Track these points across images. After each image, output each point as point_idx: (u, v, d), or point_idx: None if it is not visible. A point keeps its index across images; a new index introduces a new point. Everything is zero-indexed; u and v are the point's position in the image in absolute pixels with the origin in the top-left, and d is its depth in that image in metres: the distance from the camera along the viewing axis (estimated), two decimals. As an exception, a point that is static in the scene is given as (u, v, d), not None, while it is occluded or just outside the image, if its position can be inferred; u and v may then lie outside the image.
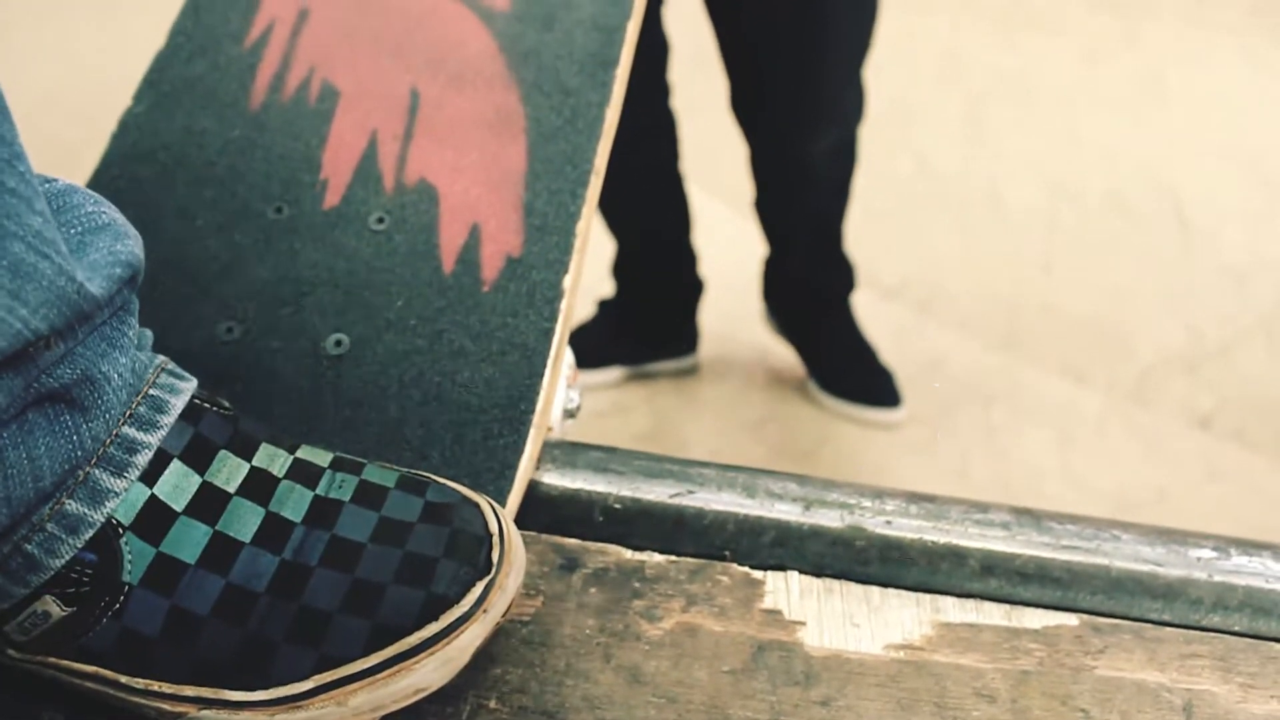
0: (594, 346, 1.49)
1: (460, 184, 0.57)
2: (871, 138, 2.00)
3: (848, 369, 1.46)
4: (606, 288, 1.53)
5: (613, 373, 1.50)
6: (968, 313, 1.75)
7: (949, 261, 1.83)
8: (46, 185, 0.42)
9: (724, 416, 1.45)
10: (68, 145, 1.34)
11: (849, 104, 1.27)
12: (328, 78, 0.62)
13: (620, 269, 1.47)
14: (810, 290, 1.45)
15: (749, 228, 1.66)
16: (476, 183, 0.57)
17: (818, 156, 1.29)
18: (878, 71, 2.10)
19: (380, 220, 0.57)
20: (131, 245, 0.43)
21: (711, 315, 1.59)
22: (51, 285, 0.37)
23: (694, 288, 1.49)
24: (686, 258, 1.46)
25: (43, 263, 0.37)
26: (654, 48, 1.27)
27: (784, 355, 1.57)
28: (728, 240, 1.78)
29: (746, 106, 1.27)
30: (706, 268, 1.56)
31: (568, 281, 0.54)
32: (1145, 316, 1.77)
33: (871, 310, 1.71)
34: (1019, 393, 1.60)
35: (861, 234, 1.85)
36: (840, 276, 1.45)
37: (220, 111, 0.61)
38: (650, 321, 1.49)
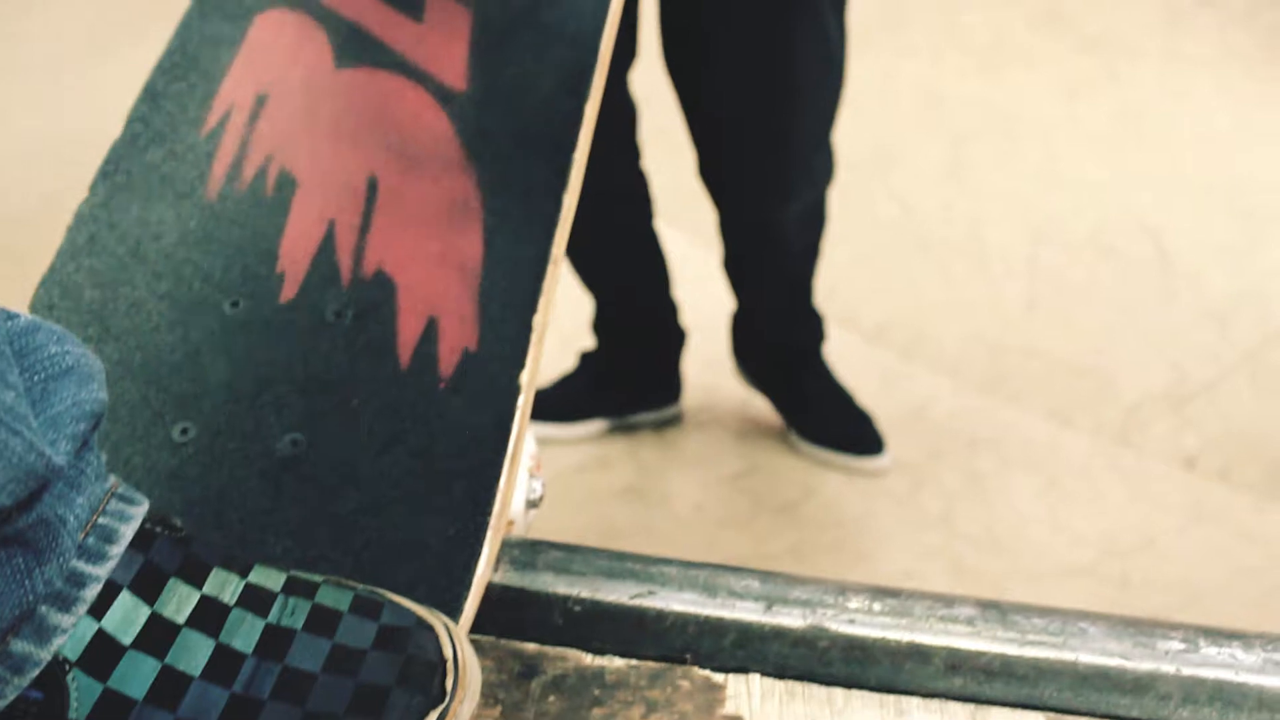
0: (576, 399, 1.49)
1: (417, 275, 0.57)
2: (854, 180, 2.00)
3: (827, 418, 1.46)
4: (588, 338, 1.52)
5: (595, 425, 1.49)
6: (952, 356, 1.74)
7: (933, 304, 1.83)
8: (9, 324, 0.41)
9: (707, 468, 1.44)
10: (48, 195, 1.33)
11: (818, 170, 1.27)
12: (285, 165, 0.61)
13: (600, 325, 1.47)
14: (781, 346, 1.45)
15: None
16: (433, 273, 0.57)
17: (787, 221, 1.29)
18: (859, 114, 2.11)
19: (338, 314, 0.57)
20: (95, 390, 0.42)
21: (695, 362, 1.58)
22: (20, 462, 0.37)
23: (676, 339, 1.49)
24: (666, 311, 1.46)
25: (13, 439, 0.36)
26: (622, 111, 1.27)
27: (766, 404, 1.56)
28: (711, 286, 1.77)
29: (715, 176, 1.27)
30: (690, 314, 1.56)
31: (525, 377, 0.53)
32: (1129, 356, 1.77)
33: (855, 354, 1.70)
34: (1004, 438, 1.60)
35: (844, 277, 1.85)
36: (810, 331, 1.45)
37: (177, 202, 0.61)
38: (632, 374, 1.49)
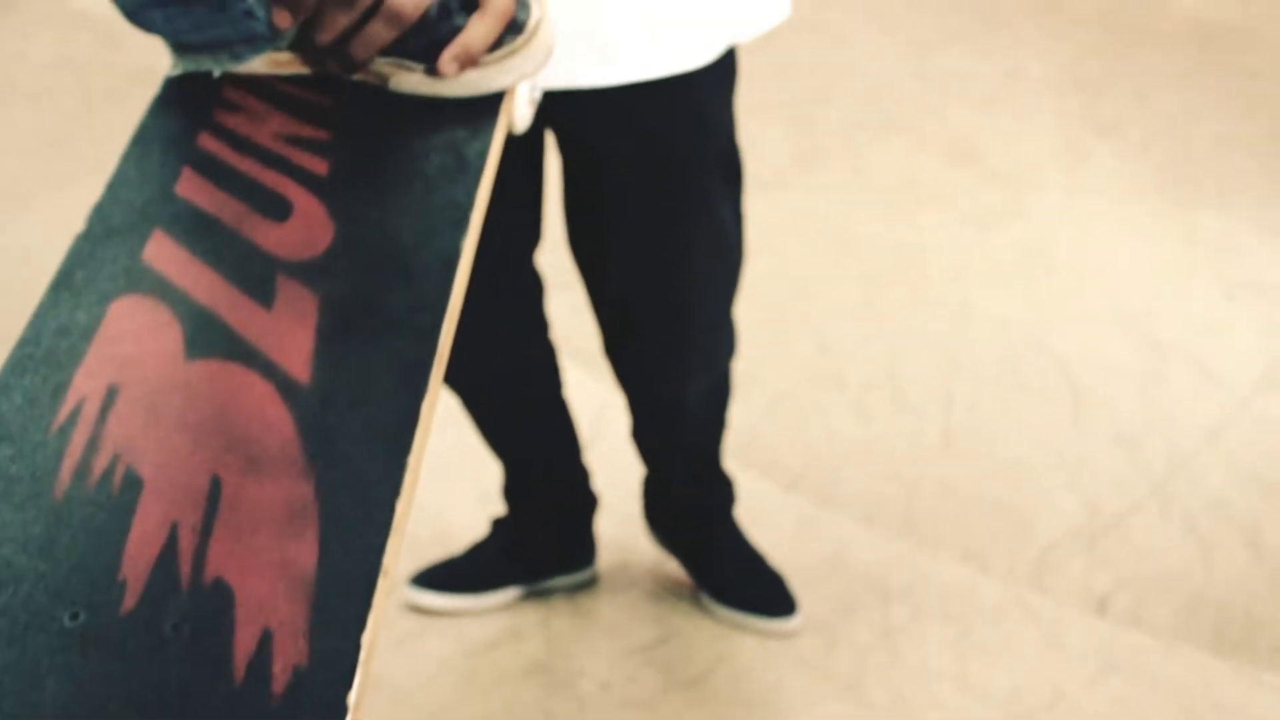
0: (488, 568, 1.49)
1: (255, 584, 0.58)
2: (773, 319, 2.05)
3: (737, 580, 1.47)
4: (499, 505, 1.53)
5: (508, 594, 1.49)
6: (868, 500, 1.77)
7: (850, 445, 1.86)
8: None
9: (620, 637, 1.45)
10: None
11: (719, 350, 1.30)
12: (132, 464, 0.63)
13: (510, 493, 1.48)
14: (690, 510, 1.47)
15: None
16: (270, 583, 0.58)
17: (692, 398, 1.32)
18: (777, 253, 2.17)
19: (175, 626, 0.57)
20: None
21: (611, 519, 1.60)
22: None
23: (587, 505, 1.50)
24: (578, 478, 1.48)
25: None
26: (528, 289, 1.30)
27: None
28: (628, 439, 1.80)
29: (618, 357, 1.30)
30: (608, 466, 1.58)
31: (352, 698, 0.54)
32: (1042, 492, 1.81)
33: (772, 503, 1.72)
34: (919, 585, 1.62)
35: (763, 421, 1.88)
36: (719, 495, 1.47)
37: (22, 506, 0.62)
38: (545, 540, 1.50)
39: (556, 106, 1.04)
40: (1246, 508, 1.78)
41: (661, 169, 1.13)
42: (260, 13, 0.74)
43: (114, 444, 0.64)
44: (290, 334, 0.66)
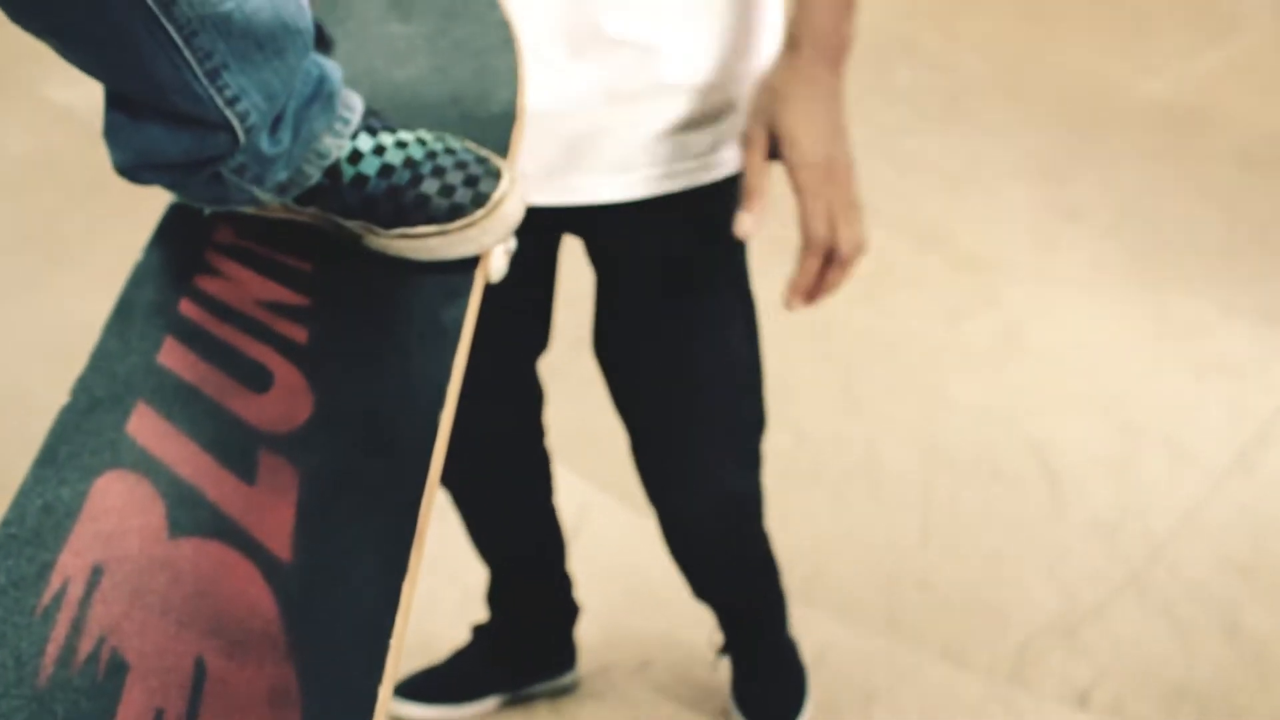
0: (470, 675, 1.50)
1: (238, 776, 0.59)
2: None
3: (765, 699, 1.48)
4: (482, 611, 1.53)
5: (489, 703, 1.49)
6: (849, 596, 1.78)
7: (829, 539, 1.87)
8: None
9: (602, 748, 1.45)
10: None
11: (726, 466, 1.27)
12: (117, 647, 0.63)
13: (493, 596, 1.48)
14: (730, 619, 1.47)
15: (637, 522, 1.67)
16: (253, 774, 0.59)
17: (700, 510, 1.30)
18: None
19: (159, 819, 0.58)
20: None
21: (591, 622, 1.60)
22: None
23: (569, 612, 1.51)
24: (561, 585, 1.48)
25: None
26: (527, 394, 1.30)
27: (666, 667, 1.58)
28: (612, 539, 1.80)
29: (637, 460, 1.28)
30: (590, 567, 1.58)
31: None
32: (1021, 583, 1.82)
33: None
34: (900, 684, 1.62)
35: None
36: (759, 611, 1.47)
37: (5, 692, 0.62)
38: (526, 645, 1.50)
39: (578, 217, 1.07)
40: (1224, 592, 1.79)
41: (675, 278, 1.13)
42: (257, 193, 0.75)
43: (99, 626, 0.65)
44: (272, 510, 0.68)
